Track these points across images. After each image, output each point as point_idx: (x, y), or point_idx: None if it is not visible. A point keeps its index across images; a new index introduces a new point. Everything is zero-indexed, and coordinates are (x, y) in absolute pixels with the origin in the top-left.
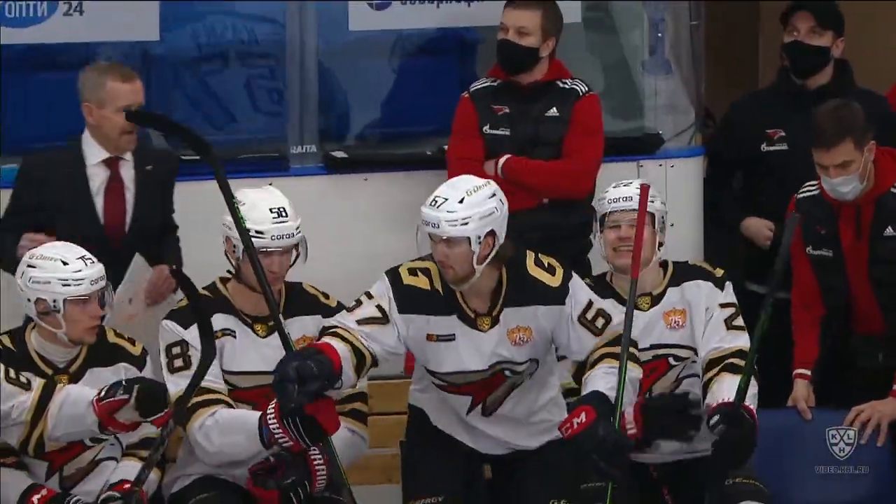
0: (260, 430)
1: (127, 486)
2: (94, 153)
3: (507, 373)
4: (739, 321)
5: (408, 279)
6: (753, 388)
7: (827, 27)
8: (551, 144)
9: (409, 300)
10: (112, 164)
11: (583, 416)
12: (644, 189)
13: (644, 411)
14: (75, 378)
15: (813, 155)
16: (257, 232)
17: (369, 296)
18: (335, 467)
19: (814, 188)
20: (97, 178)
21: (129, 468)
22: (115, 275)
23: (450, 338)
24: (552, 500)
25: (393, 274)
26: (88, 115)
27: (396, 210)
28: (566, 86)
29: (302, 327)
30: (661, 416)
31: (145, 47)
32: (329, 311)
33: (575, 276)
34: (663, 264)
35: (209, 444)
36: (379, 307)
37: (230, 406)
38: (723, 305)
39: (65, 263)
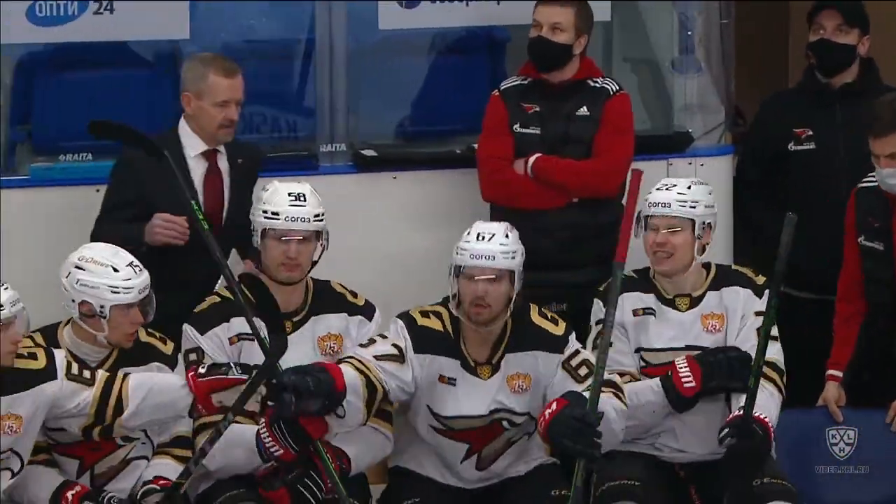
0: (257, 442)
1: (162, 482)
2: (192, 144)
3: (505, 423)
4: (773, 331)
5: (422, 321)
6: (773, 394)
7: (853, 25)
8: (581, 143)
9: (425, 341)
10: (210, 155)
11: (553, 405)
12: (636, 175)
13: (702, 364)
14: None
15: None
16: (273, 213)
17: (384, 336)
18: (329, 473)
19: (875, 179)
20: (197, 170)
21: (163, 466)
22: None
23: (452, 382)
24: (553, 490)
25: (406, 317)
26: (186, 104)
27: (426, 209)
28: (597, 84)
29: (327, 325)
30: (719, 370)
31: (175, 44)
32: (356, 310)
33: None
34: (706, 266)
35: (211, 462)
36: (395, 346)
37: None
38: (759, 313)
39: (115, 270)
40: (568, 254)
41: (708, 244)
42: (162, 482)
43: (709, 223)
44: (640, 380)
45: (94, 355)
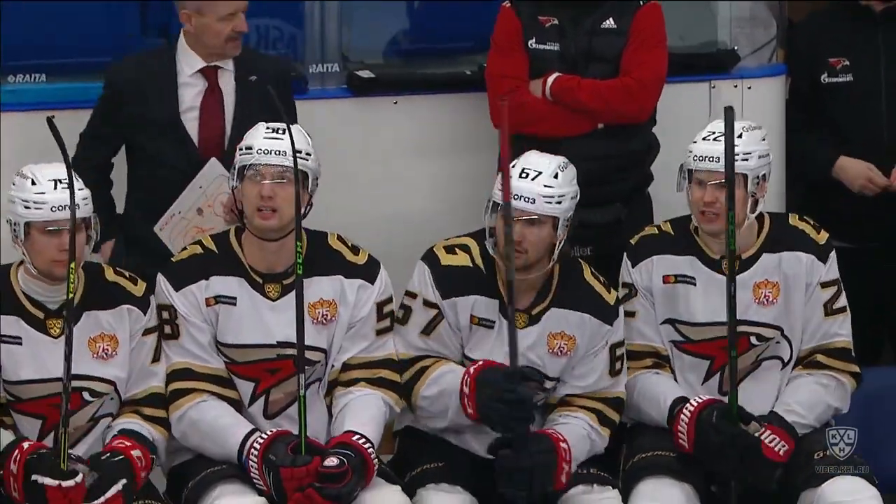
0: (239, 455)
1: (124, 444)
2: (189, 62)
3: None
4: (840, 301)
5: (446, 259)
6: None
7: None
8: (607, 60)
9: (451, 283)
10: (209, 73)
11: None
12: (502, 109)
13: (697, 429)
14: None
15: None
16: (246, 148)
17: (412, 295)
18: None
19: None
20: (192, 90)
21: (128, 423)
22: None
23: (489, 324)
24: (578, 468)
25: (430, 257)
26: (186, 21)
27: (431, 138)
28: None
29: (319, 290)
30: (716, 445)
31: None
32: (354, 272)
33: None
34: (758, 218)
35: (185, 441)
36: (426, 302)
37: (218, 395)
38: (824, 285)
39: (33, 183)
40: (593, 188)
41: (762, 197)
42: (123, 444)
43: (763, 175)
44: (667, 356)
45: (49, 295)
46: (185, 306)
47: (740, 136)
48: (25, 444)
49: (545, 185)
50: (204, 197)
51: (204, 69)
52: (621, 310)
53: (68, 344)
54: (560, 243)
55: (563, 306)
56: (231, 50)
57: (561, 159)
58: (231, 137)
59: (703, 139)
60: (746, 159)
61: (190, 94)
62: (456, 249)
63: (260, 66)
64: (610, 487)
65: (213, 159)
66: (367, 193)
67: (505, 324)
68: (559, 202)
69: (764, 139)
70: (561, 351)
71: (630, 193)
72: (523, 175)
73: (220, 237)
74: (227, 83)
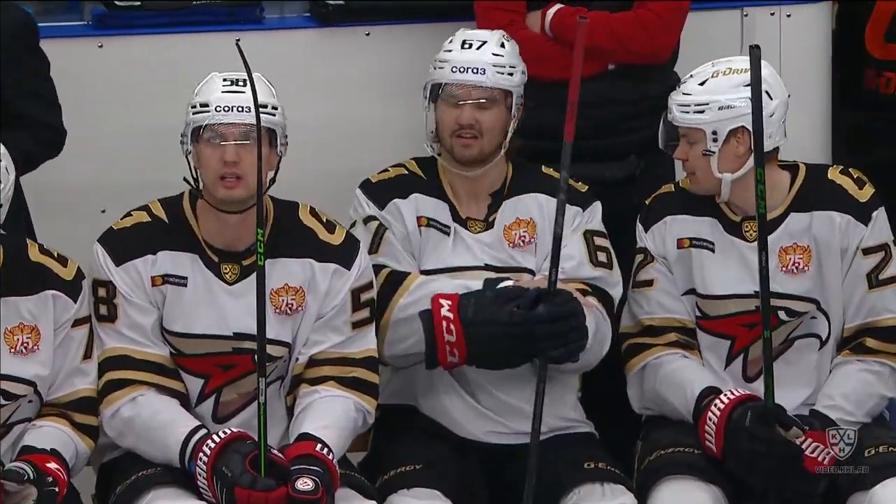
0: (182, 455)
1: (54, 467)
2: None
3: None
4: (889, 270)
5: (377, 177)
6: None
7: None
8: None
9: (386, 191)
10: None
11: None
12: (580, 29)
13: (727, 431)
14: None
15: None
16: (202, 106)
17: (351, 225)
18: None
19: None
20: None
21: (57, 436)
22: None
23: (443, 228)
24: (586, 462)
25: (363, 182)
26: None
27: (408, 75)
28: None
29: (286, 274)
30: (748, 452)
31: None
32: (328, 254)
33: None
34: (791, 170)
35: (120, 440)
36: (365, 219)
37: (159, 386)
38: (867, 251)
39: None
40: (604, 139)
41: (779, 150)
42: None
43: (731, 130)
44: (693, 329)
45: None
46: (127, 284)
47: (703, 82)
48: None
49: (494, 54)
50: None
51: None
52: (597, 203)
53: None
54: (513, 127)
55: (515, 194)
56: None
57: (501, 32)
58: None
59: (682, 84)
60: (701, 111)
61: None
62: (388, 169)
63: None
64: (623, 487)
65: None
66: (332, 144)
67: (456, 227)
68: (511, 73)
69: (747, 85)
70: (523, 241)
71: (647, 145)
72: (466, 45)
73: (172, 203)
74: None
